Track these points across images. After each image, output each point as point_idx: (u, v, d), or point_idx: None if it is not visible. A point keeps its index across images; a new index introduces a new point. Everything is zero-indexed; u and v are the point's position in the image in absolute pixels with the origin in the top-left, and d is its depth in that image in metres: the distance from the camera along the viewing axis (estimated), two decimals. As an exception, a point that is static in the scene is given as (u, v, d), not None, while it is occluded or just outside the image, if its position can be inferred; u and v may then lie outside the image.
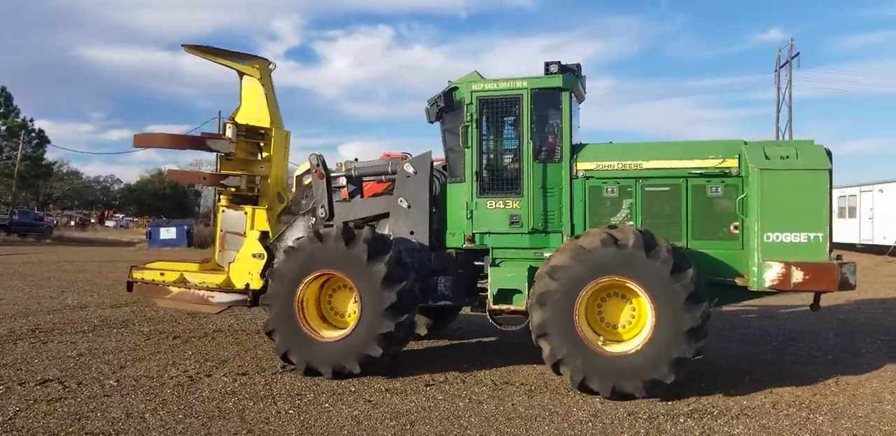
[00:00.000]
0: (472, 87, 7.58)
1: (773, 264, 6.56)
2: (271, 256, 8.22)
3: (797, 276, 6.46)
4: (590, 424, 5.82)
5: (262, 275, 8.16)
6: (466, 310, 8.71)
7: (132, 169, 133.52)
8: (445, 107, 7.78)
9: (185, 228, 36.23)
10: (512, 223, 7.52)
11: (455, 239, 7.82)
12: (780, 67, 49.23)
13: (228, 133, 8.44)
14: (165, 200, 75.29)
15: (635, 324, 6.87)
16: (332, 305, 7.69)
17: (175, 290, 8.44)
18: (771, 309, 12.40)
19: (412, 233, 7.86)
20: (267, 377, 7.26)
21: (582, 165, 7.46)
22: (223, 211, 8.82)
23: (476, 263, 8.07)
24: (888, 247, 25.68)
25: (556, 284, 6.61)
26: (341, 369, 7.14)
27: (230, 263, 8.33)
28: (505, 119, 7.71)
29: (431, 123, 8.10)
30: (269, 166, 8.72)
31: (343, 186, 8.53)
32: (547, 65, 7.46)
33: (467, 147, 7.58)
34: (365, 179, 8.68)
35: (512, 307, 7.42)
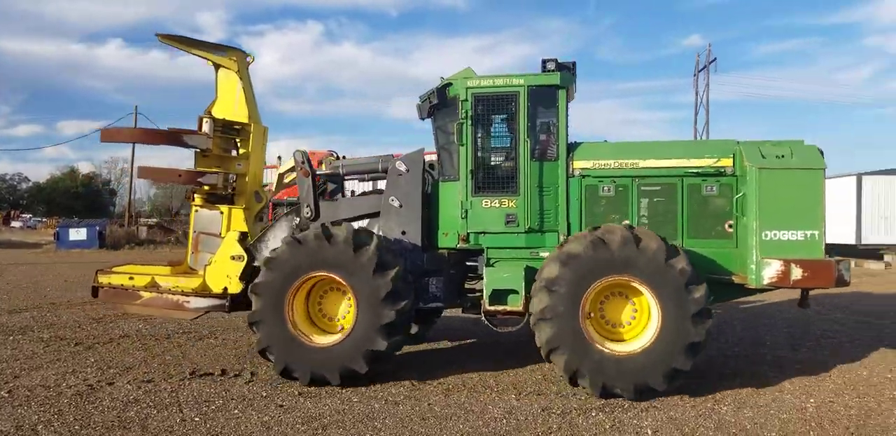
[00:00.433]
0: (467, 83, 7.51)
1: (772, 262, 6.75)
2: (251, 259, 7.94)
3: (796, 273, 6.66)
4: (504, 421, 5.96)
5: (242, 278, 7.88)
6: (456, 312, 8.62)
7: (42, 166, 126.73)
8: (439, 103, 7.69)
9: (97, 228, 35.03)
10: (508, 222, 7.48)
11: (448, 239, 7.72)
12: (699, 72, 51.45)
13: (205, 128, 8.09)
14: (78, 199, 71.80)
15: (636, 324, 6.95)
16: (322, 307, 7.46)
17: (146, 295, 8.01)
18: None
19: (404, 233, 7.71)
20: (174, 384, 7.06)
21: (578, 164, 7.49)
22: (196, 210, 8.43)
23: (468, 263, 8.02)
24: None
25: (556, 297, 6.63)
26: (320, 378, 6.95)
27: (206, 265, 7.98)
28: (500, 116, 7.66)
29: (423, 119, 8.00)
30: (247, 164, 8.40)
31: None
32: (544, 62, 7.47)
33: (462, 144, 7.49)
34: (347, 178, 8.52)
35: (508, 308, 7.35)
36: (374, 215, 8.02)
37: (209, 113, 8.21)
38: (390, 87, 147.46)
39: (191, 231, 8.47)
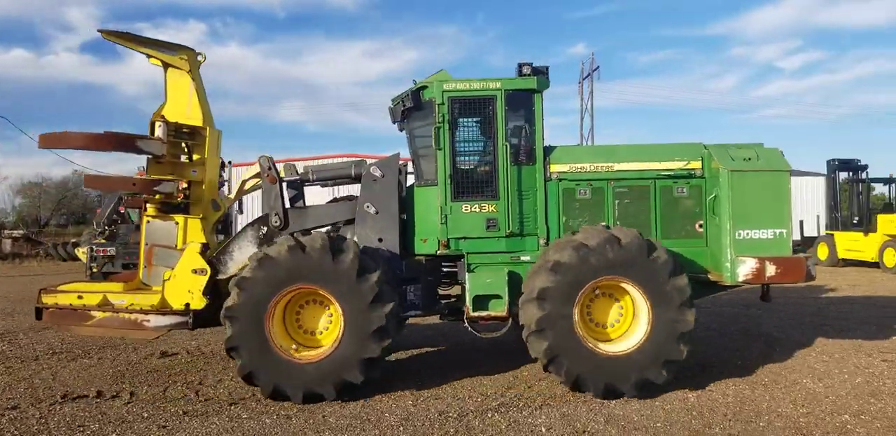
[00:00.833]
0: (443, 86, 7.47)
1: (747, 260, 7.16)
2: (214, 272, 7.55)
3: (770, 270, 7.11)
4: (401, 428, 6.02)
5: (205, 292, 7.49)
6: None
7: None
8: (413, 107, 7.61)
9: None
10: (489, 227, 7.51)
11: (428, 245, 7.65)
12: (584, 79, 53.86)
13: (158, 132, 7.59)
14: None
15: (623, 323, 7.19)
16: (301, 322, 7.21)
17: (99, 315, 7.42)
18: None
19: (381, 240, 7.58)
20: (43, 409, 6.66)
21: (555, 168, 7.64)
22: (148, 221, 7.91)
23: (445, 269, 8.00)
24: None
25: (549, 306, 6.75)
26: (314, 394, 6.72)
27: (165, 280, 7.51)
28: (478, 120, 7.68)
29: (395, 123, 7.90)
30: (203, 170, 7.97)
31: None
32: (520, 66, 7.56)
33: (439, 149, 7.45)
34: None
35: (492, 313, 7.38)
36: (347, 223, 7.85)
37: (161, 116, 7.72)
38: (279, 90, 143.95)
39: (142, 244, 7.92)
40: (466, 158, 7.76)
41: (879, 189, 28.92)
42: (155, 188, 7.50)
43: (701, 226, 7.67)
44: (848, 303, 13.43)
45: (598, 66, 52.57)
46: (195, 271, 7.46)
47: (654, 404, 6.62)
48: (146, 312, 7.37)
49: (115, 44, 7.69)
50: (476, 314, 7.38)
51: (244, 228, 7.82)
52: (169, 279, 7.47)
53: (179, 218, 7.85)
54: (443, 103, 7.45)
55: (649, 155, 7.73)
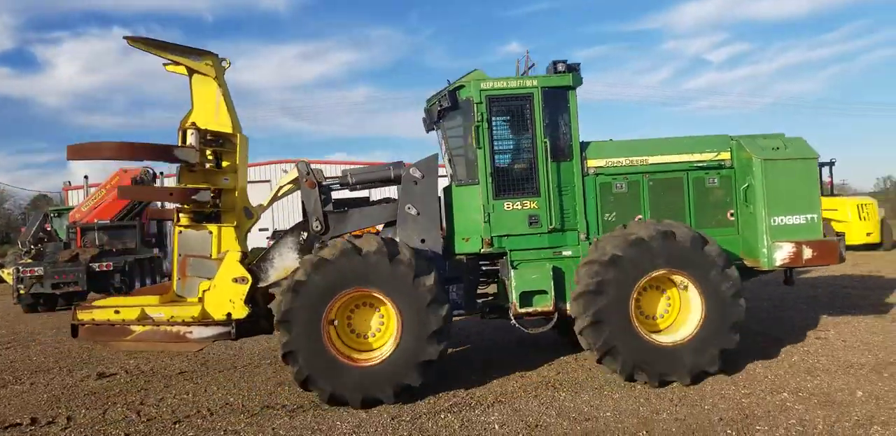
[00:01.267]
0: (480, 85, 7.63)
1: (784, 244, 7.53)
2: (255, 280, 7.50)
3: (807, 253, 7.50)
4: (353, 435, 6.07)
5: (247, 301, 7.43)
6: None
7: None
8: (451, 106, 7.75)
9: None
10: (531, 224, 7.67)
11: (470, 244, 7.76)
12: (520, 77, 55.02)
13: (191, 140, 7.53)
14: None
15: (671, 314, 7.45)
16: (352, 325, 7.22)
17: (139, 329, 7.26)
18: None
19: (423, 241, 7.66)
20: None
21: (592, 163, 7.87)
22: (180, 232, 7.81)
23: (483, 268, 8.13)
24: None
25: (606, 299, 6.97)
26: (372, 399, 6.75)
27: (205, 291, 7.42)
28: (516, 118, 7.85)
29: (435, 122, 8.03)
30: (234, 177, 7.92)
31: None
32: (554, 63, 7.79)
33: (479, 147, 7.59)
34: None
35: (539, 309, 7.54)
36: (386, 225, 7.91)
37: (192, 123, 7.65)
38: None
39: (175, 255, 7.81)
40: (506, 155, 7.90)
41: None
42: (193, 197, 7.42)
43: (732, 214, 8.02)
44: (776, 284, 13.73)
45: (533, 64, 53.62)
46: (236, 280, 7.40)
47: (603, 394, 6.84)
48: (188, 324, 7.26)
49: (140, 50, 7.60)
50: (524, 311, 7.53)
51: (284, 235, 7.78)
52: (208, 290, 7.39)
53: (213, 227, 7.78)
54: (481, 102, 7.60)
55: (681, 147, 8.04)
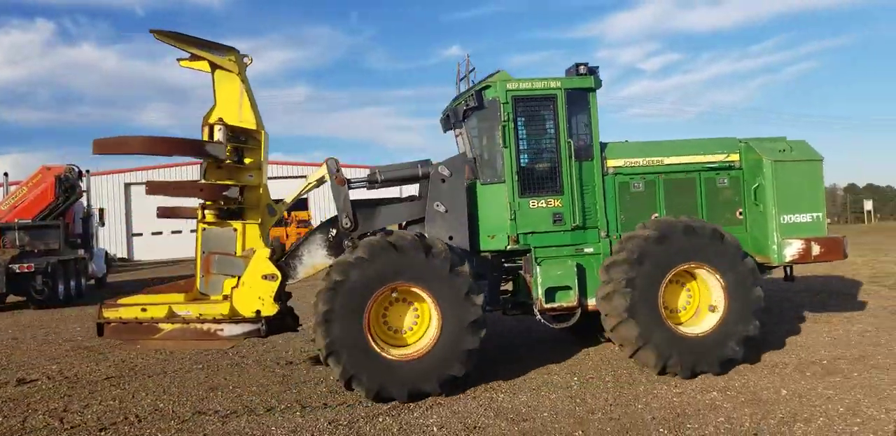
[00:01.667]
0: (506, 85, 7.92)
1: (794, 241, 8.08)
2: (284, 277, 7.59)
3: (816, 249, 8.06)
4: None
5: (276, 298, 7.51)
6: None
7: None
8: (477, 106, 8.01)
9: None
10: (555, 221, 7.99)
11: (496, 241, 8.03)
12: (460, 81, 56.24)
13: (219, 136, 7.57)
14: None
15: (692, 306, 7.89)
16: (387, 321, 7.38)
17: (167, 327, 7.24)
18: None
19: (451, 238, 7.88)
20: None
21: (611, 163, 8.26)
22: (204, 229, 7.82)
23: (506, 265, 8.40)
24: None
25: (636, 295, 7.34)
26: (418, 392, 6.95)
27: (234, 288, 7.46)
28: (540, 118, 8.16)
29: (460, 121, 8.27)
30: (259, 174, 7.98)
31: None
32: (577, 66, 8.15)
33: (506, 147, 7.87)
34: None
35: (564, 304, 7.88)
36: (413, 222, 8.11)
37: (220, 119, 7.69)
38: (141, 93, 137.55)
39: (198, 252, 7.81)
40: (531, 155, 8.20)
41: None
42: (224, 193, 7.46)
43: (741, 213, 8.53)
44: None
45: (473, 68, 54.87)
46: (266, 277, 7.46)
47: (541, 394, 7.07)
48: (219, 322, 7.28)
49: (166, 43, 7.60)
50: (549, 306, 7.85)
51: (313, 232, 7.89)
52: (237, 287, 7.44)
53: (237, 224, 7.82)
54: (507, 102, 7.88)
55: (693, 149, 8.52)
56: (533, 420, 6.27)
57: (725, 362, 7.47)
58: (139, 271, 34.88)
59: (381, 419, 6.45)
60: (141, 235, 49.60)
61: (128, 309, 7.35)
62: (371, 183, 8.15)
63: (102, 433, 6.37)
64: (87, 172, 22.65)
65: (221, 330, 7.29)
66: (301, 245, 7.80)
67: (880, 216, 78.58)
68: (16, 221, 19.29)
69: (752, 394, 6.80)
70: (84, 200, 22.28)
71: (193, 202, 8.07)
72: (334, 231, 7.85)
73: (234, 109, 7.89)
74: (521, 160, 8.01)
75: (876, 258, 21.42)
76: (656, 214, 8.30)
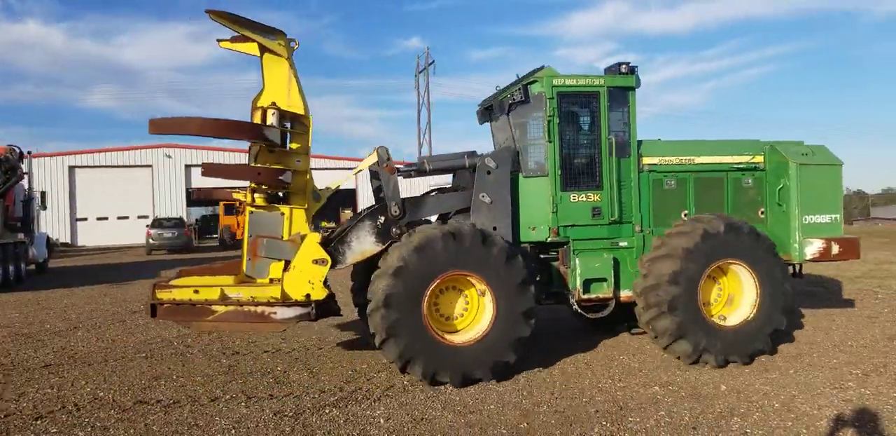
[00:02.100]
0: (553, 81, 8.29)
1: (814, 241, 8.70)
2: (333, 262, 7.81)
3: (835, 248, 8.70)
4: (234, 431, 6.08)
5: (326, 283, 7.74)
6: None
7: None
8: (523, 100, 8.36)
9: None
10: (594, 215, 8.42)
11: (537, 233, 8.41)
12: (420, 73, 56.99)
13: (272, 120, 7.73)
14: None
15: (721, 300, 8.44)
16: (439, 308, 7.69)
17: (221, 309, 7.37)
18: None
19: (494, 229, 8.22)
20: None
21: (647, 160, 8.72)
22: (251, 212, 7.97)
23: (542, 256, 8.79)
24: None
25: (679, 288, 7.83)
26: (471, 377, 7.30)
27: (285, 272, 7.65)
28: (583, 115, 8.56)
29: (505, 114, 8.60)
30: (306, 159, 8.16)
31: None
32: (619, 65, 8.58)
33: (550, 141, 8.25)
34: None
35: (600, 295, 8.35)
36: (457, 212, 8.42)
37: (272, 103, 7.84)
38: (90, 74, 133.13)
39: (245, 235, 7.96)
40: (573, 150, 8.58)
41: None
42: (280, 178, 7.63)
43: (762, 212, 9.12)
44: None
45: (433, 61, 55.98)
46: (316, 262, 7.67)
47: (488, 387, 7.27)
48: (272, 305, 7.46)
49: (220, 24, 7.69)
50: (587, 297, 8.29)
51: (363, 218, 8.09)
52: (288, 270, 7.63)
53: (285, 209, 8.00)
54: (552, 98, 8.25)
55: (722, 150, 9.06)
56: (480, 412, 6.46)
57: (755, 353, 8.03)
58: (83, 257, 34.26)
59: (327, 411, 6.56)
60: (86, 219, 48.33)
61: (181, 291, 7.47)
62: (420, 172, 8.43)
63: (38, 422, 6.32)
64: (29, 153, 22.16)
65: (275, 313, 7.46)
66: (350, 231, 8.01)
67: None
68: None
69: (693, 389, 7.13)
70: (25, 182, 21.80)
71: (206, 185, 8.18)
72: (383, 219, 8.10)
73: (283, 94, 8.04)
74: (564, 155, 8.39)
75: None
76: (686, 211, 8.81)
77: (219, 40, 8.30)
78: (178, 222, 36.90)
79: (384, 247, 7.94)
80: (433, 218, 8.93)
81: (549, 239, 8.35)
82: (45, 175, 46.18)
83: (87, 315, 13.36)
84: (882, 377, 7.48)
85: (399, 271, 7.11)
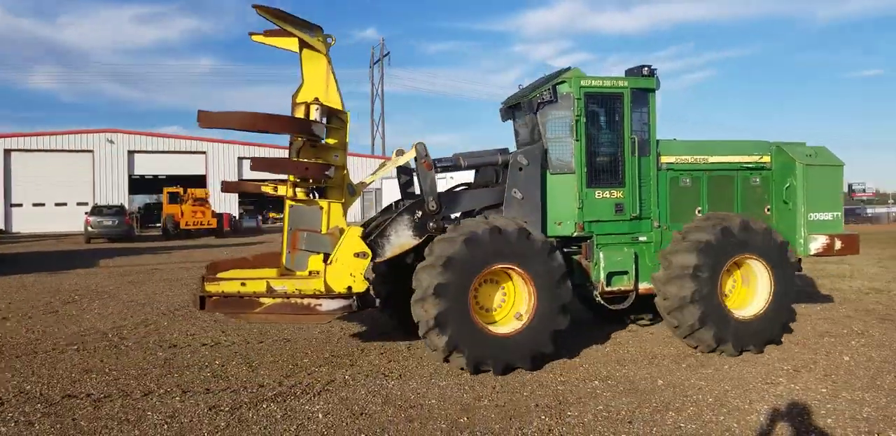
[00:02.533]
0: (580, 82, 8.80)
1: (819, 237, 9.47)
2: (374, 255, 8.17)
3: (838, 244, 9.48)
4: (166, 426, 6.02)
5: (367, 275, 8.09)
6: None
7: None
8: (551, 99, 8.85)
9: None
10: (617, 211, 8.99)
11: (563, 228, 8.93)
12: (374, 64, 57.42)
13: (316, 115, 8.02)
14: None
15: (736, 292, 9.12)
16: (478, 300, 8.14)
17: (268, 301, 7.66)
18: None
19: (525, 223, 8.70)
20: None
21: (664, 159, 9.33)
22: (291, 206, 8.25)
23: (565, 250, 9.32)
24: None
25: (699, 281, 8.39)
26: (512, 366, 7.80)
27: (327, 264, 7.97)
28: (606, 114, 9.09)
29: (533, 113, 9.06)
30: (343, 154, 8.47)
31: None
32: (641, 67, 9.13)
33: (577, 140, 8.77)
34: None
35: (622, 288, 8.96)
36: (488, 207, 8.87)
37: (316, 99, 8.13)
38: (29, 54, 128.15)
39: (286, 228, 8.24)
40: (598, 148, 9.11)
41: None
42: (325, 173, 7.93)
43: (768, 209, 9.85)
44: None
45: (388, 52, 56.61)
46: (357, 255, 8.02)
47: (430, 382, 7.47)
48: (317, 297, 7.78)
49: (264, 18, 7.93)
50: (610, 289, 8.87)
51: (401, 213, 8.45)
52: (330, 263, 7.95)
53: (323, 203, 8.31)
54: (580, 98, 8.77)
55: (733, 149, 9.73)
56: (420, 407, 6.60)
57: (768, 343, 8.74)
58: (17, 245, 33.44)
59: (265, 405, 6.61)
60: (21, 205, 47.06)
61: (229, 283, 7.73)
62: (456, 168, 8.84)
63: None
64: None
65: (320, 305, 7.77)
66: (389, 225, 8.37)
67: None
68: None
69: (631, 384, 7.38)
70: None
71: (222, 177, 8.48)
72: (420, 213, 8.49)
73: (321, 89, 8.34)
74: (590, 153, 8.92)
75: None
76: (699, 208, 9.46)
77: (251, 33, 8.54)
78: (118, 210, 36.44)
79: (420, 240, 8.35)
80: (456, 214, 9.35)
81: (574, 234, 8.88)
82: (-22, 159, 44.80)
83: (17, 305, 13.13)
84: (811, 373, 7.83)
85: (448, 263, 7.53)
